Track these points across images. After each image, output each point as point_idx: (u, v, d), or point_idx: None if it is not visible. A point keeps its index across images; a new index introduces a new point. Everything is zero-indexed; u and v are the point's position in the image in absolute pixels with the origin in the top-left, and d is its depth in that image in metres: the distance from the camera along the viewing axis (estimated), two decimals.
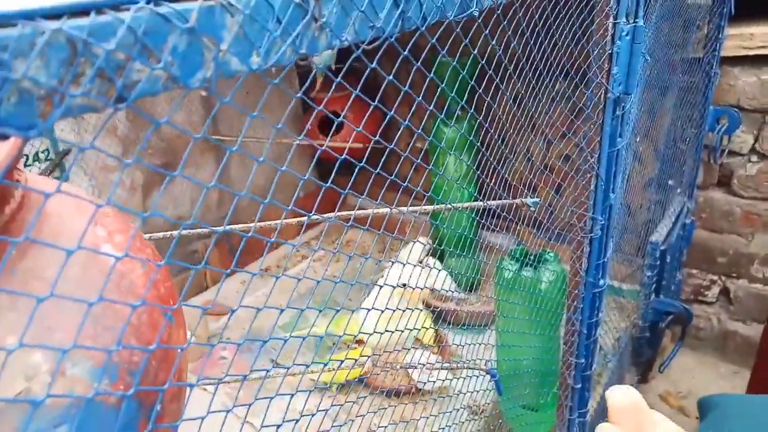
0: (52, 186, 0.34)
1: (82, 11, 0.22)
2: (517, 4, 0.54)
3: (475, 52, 0.52)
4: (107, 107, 0.24)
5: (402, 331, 0.62)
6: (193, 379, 0.50)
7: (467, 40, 0.50)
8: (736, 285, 1.84)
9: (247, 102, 2.16)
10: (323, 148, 0.39)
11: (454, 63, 0.53)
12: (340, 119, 0.56)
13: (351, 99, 0.45)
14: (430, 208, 0.72)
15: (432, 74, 0.50)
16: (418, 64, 0.46)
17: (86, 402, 0.28)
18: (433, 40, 0.44)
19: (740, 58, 1.52)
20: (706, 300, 1.92)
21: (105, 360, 0.29)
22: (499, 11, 0.51)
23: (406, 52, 0.42)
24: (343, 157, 0.43)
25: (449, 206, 0.76)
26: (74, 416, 0.27)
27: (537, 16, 0.64)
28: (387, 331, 0.59)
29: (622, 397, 0.37)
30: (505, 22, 0.55)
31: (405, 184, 0.51)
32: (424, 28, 0.41)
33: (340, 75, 0.43)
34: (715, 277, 1.88)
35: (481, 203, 0.74)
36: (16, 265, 0.29)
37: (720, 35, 1.43)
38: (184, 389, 0.36)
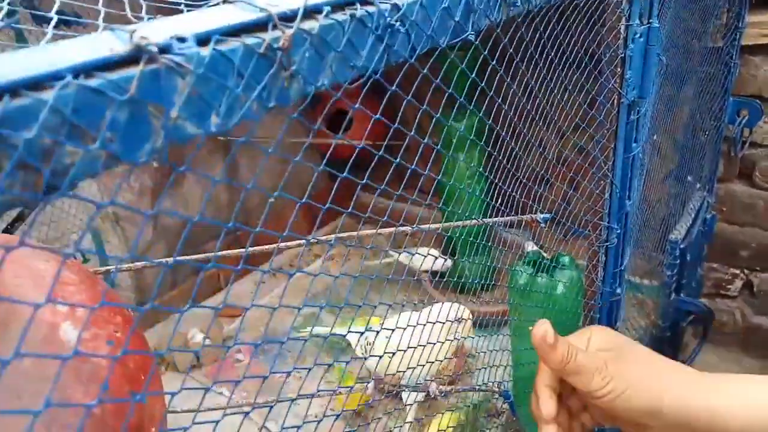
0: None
1: None
2: (519, 20, 0.50)
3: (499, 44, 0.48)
4: (38, 200, 0.21)
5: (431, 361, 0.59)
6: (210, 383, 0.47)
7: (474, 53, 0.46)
8: (759, 278, 1.79)
9: None
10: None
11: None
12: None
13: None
14: (437, 226, 0.69)
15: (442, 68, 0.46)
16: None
17: None
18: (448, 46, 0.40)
19: (761, 46, 1.45)
20: (728, 294, 1.86)
21: None
22: (498, 30, 0.47)
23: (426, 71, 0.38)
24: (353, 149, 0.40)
25: (461, 223, 0.72)
26: None
27: (545, 35, 0.60)
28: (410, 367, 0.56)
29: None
30: (506, 40, 0.51)
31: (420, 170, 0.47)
32: (413, 59, 0.37)
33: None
34: (738, 271, 1.82)
35: (491, 220, 0.70)
36: None
37: (740, 24, 1.37)
38: None
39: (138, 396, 0.30)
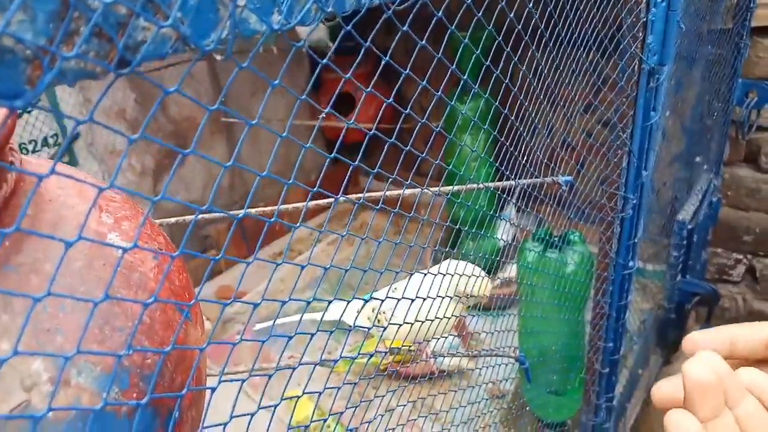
0: (48, 168, 0.31)
1: None
2: None
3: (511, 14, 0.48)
4: (108, 72, 0.20)
5: (432, 320, 0.58)
6: (213, 367, 0.47)
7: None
8: (762, 264, 1.79)
9: (256, 81, 2.12)
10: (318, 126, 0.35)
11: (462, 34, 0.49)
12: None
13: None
14: (450, 188, 0.68)
15: (445, 46, 0.46)
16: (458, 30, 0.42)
17: (94, 414, 0.24)
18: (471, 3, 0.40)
19: None
20: (731, 279, 1.87)
21: (114, 365, 0.25)
22: None
23: (440, 14, 0.37)
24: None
25: (473, 186, 0.72)
26: (81, 430, 0.24)
27: None
28: (417, 321, 0.56)
29: (702, 374, 0.29)
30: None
31: (424, 156, 0.47)
32: None
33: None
34: (741, 256, 1.82)
35: (509, 182, 0.70)
36: (11, 260, 0.25)
37: (751, 4, 1.37)
38: (203, 393, 0.33)
39: (188, 304, 0.29)
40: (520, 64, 0.58)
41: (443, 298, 0.63)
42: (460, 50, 0.48)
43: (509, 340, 1.14)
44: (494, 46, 0.52)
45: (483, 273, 0.76)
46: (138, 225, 0.32)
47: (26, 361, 0.24)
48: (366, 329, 0.80)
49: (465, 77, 0.39)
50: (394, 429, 0.51)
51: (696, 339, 0.37)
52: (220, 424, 0.29)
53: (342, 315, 1.04)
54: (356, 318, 0.90)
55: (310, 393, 0.39)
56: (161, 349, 0.27)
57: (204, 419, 0.33)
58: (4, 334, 0.23)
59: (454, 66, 0.45)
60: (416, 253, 1.91)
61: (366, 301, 0.79)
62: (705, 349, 0.33)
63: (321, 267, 0.37)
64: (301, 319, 0.51)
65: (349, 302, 0.91)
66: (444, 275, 0.63)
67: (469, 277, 0.67)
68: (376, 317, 1.03)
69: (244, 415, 0.31)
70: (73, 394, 0.24)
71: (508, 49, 0.51)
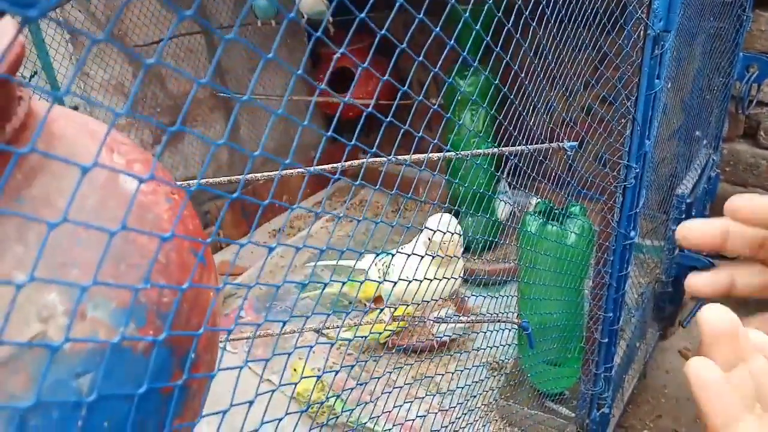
0: (57, 109, 0.30)
1: None
2: None
3: None
4: None
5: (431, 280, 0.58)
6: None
7: None
8: None
9: (255, 56, 2.10)
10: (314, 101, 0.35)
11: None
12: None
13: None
14: (452, 154, 0.68)
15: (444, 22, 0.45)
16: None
17: (111, 347, 0.24)
18: None
19: None
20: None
21: (130, 301, 0.25)
22: None
23: None
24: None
25: (474, 153, 0.71)
26: (98, 364, 0.24)
27: None
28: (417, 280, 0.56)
29: (719, 321, 0.30)
30: None
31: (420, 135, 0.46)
32: None
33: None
34: None
35: (514, 148, 0.69)
36: (22, 192, 0.25)
37: None
38: (217, 339, 0.33)
39: (204, 242, 0.29)
40: (525, 36, 0.57)
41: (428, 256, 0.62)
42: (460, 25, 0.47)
43: (509, 309, 1.14)
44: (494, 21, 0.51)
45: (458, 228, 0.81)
46: (150, 168, 0.31)
47: (41, 292, 0.23)
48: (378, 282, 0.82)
49: (460, 75, 0.39)
50: (389, 393, 0.51)
51: (690, 226, 0.38)
52: (237, 367, 0.29)
53: (359, 263, 1.08)
54: (369, 267, 0.93)
55: (302, 347, 0.39)
56: (178, 286, 0.27)
57: (217, 366, 0.33)
58: (19, 266, 0.23)
59: (453, 42, 0.45)
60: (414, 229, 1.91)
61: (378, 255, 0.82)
62: (697, 236, 0.38)
63: (317, 248, 0.36)
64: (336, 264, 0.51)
65: (377, 254, 0.96)
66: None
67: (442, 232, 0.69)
68: (385, 271, 1.04)
69: (234, 368, 0.31)
70: (90, 328, 0.24)
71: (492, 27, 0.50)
